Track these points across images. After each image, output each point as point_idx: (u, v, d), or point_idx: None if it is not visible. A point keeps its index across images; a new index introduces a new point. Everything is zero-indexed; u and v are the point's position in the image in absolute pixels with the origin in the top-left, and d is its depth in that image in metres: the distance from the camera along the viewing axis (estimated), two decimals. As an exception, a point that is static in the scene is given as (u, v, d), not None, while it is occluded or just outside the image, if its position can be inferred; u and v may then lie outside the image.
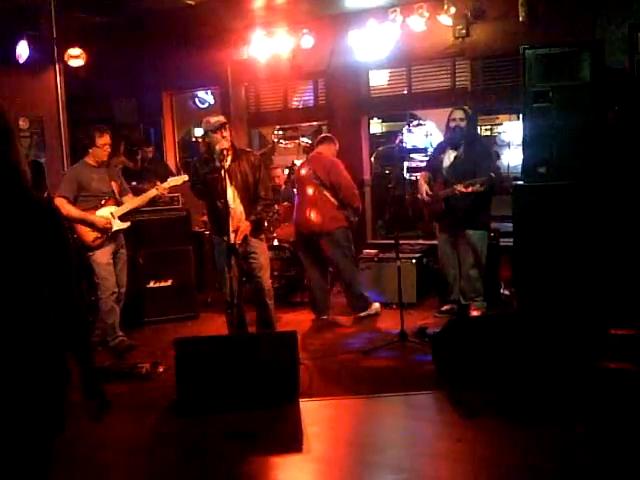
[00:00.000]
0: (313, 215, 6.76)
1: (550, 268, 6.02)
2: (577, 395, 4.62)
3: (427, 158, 8.29)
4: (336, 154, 7.02)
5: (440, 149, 6.88)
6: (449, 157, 6.62)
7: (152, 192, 6.38)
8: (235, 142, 5.78)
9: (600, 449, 3.85)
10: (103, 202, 6.10)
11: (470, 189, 6.21)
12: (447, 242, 6.73)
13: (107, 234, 6.06)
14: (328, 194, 6.78)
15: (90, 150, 6.07)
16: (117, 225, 6.13)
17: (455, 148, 6.59)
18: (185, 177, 6.50)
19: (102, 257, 6.07)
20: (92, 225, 5.99)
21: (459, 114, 6.57)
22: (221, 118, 5.67)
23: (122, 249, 6.28)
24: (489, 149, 6.80)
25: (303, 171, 6.99)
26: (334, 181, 6.74)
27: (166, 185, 6.39)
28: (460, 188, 6.24)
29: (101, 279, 6.07)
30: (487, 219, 6.70)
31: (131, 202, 6.29)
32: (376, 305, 6.98)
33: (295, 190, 7.17)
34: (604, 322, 5.72)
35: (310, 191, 6.82)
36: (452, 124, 6.58)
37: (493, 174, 6.28)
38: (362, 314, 6.88)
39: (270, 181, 7.10)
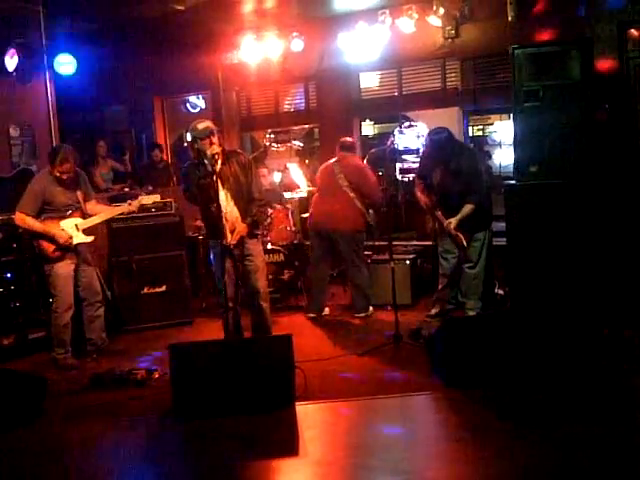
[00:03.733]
0: (336, 214, 6.84)
1: (543, 267, 6.03)
2: (573, 394, 4.62)
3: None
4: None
5: (427, 165, 6.69)
6: (436, 175, 6.51)
7: (121, 208, 6.25)
8: (224, 144, 5.74)
9: (598, 448, 3.84)
10: (69, 213, 5.95)
11: (452, 225, 6.31)
12: (443, 244, 6.71)
13: (67, 249, 5.91)
14: (355, 197, 6.88)
15: (56, 165, 5.84)
16: (80, 238, 5.97)
17: (442, 164, 6.44)
18: (157, 197, 6.50)
19: (62, 269, 5.89)
20: (53, 239, 5.83)
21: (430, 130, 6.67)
22: (209, 124, 5.54)
23: (85, 265, 6.07)
24: (477, 168, 6.47)
25: (330, 171, 7.06)
26: (362, 185, 6.89)
27: (137, 203, 6.26)
28: (447, 227, 6.35)
29: (58, 292, 5.90)
30: (487, 222, 6.63)
31: (97, 217, 6.12)
32: (371, 307, 7.03)
33: (318, 187, 7.28)
34: (597, 321, 5.73)
35: (337, 191, 6.92)
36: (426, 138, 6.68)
37: (472, 204, 6.28)
38: (362, 314, 6.92)
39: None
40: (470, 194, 6.30)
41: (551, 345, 4.94)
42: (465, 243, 6.34)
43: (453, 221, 6.33)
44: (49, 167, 5.97)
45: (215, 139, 5.48)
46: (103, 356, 6.14)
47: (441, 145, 6.42)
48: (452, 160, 6.39)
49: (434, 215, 6.62)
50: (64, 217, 5.94)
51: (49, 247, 5.85)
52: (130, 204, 6.24)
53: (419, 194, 6.74)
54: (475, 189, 6.34)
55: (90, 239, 6.08)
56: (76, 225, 5.97)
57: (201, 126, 5.53)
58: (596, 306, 5.80)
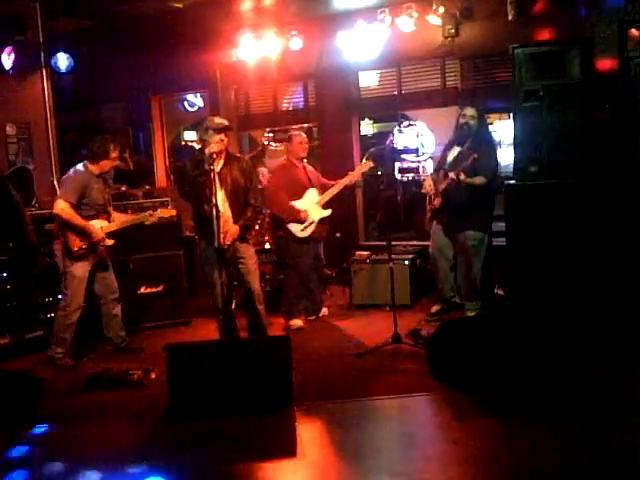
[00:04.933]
0: None
1: (542, 267, 6.02)
2: (572, 394, 4.60)
3: (420, 159, 8.31)
4: (300, 149, 6.90)
5: (447, 147, 6.76)
6: (453, 153, 6.54)
7: (143, 217, 6.29)
8: (228, 147, 5.76)
9: (597, 448, 3.82)
10: (97, 214, 5.98)
11: (462, 176, 6.09)
12: (439, 240, 6.68)
13: (93, 247, 5.93)
14: None
15: (101, 162, 5.96)
16: (106, 241, 6.01)
17: (461, 145, 6.47)
18: (173, 212, 6.62)
19: (80, 270, 5.90)
20: (88, 236, 5.85)
21: (470, 112, 6.45)
22: (225, 122, 5.68)
23: (104, 266, 6.11)
24: (494, 150, 6.60)
25: None
26: None
27: (157, 215, 6.30)
28: (452, 175, 6.15)
29: (71, 291, 5.90)
30: (487, 220, 6.54)
31: (120, 222, 6.17)
32: (298, 322, 6.82)
33: None
34: (596, 321, 5.72)
35: None
36: (462, 120, 6.45)
37: (485, 177, 6.21)
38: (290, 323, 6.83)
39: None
40: (482, 171, 6.21)
41: (550, 346, 4.92)
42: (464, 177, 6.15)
43: (462, 174, 6.14)
44: (89, 162, 5.98)
45: (225, 138, 5.55)
46: (100, 356, 6.12)
47: (471, 116, 6.44)
48: (471, 139, 6.39)
49: (437, 192, 6.51)
50: (93, 217, 5.95)
51: (76, 244, 5.84)
52: (151, 215, 6.28)
53: (427, 179, 6.74)
54: (487, 167, 6.25)
55: (111, 243, 6.09)
56: (102, 227, 5.99)
57: (218, 120, 5.69)
58: (596, 306, 5.79)
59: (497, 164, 6.57)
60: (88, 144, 6.14)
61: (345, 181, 6.87)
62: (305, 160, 7.05)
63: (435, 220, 6.70)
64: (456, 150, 6.50)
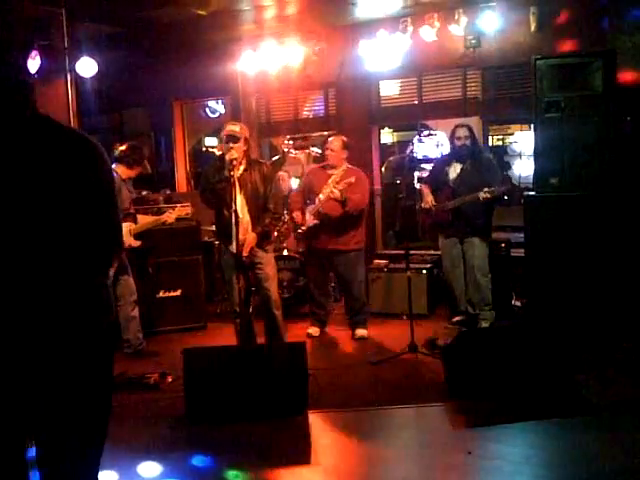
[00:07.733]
0: None
1: (561, 279, 5.98)
2: (588, 406, 4.57)
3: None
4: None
5: (444, 162, 6.89)
6: (455, 169, 6.64)
7: (164, 217, 6.46)
8: (250, 152, 5.78)
9: (614, 459, 3.79)
10: (125, 217, 6.00)
11: (490, 195, 6.23)
12: (451, 252, 6.72)
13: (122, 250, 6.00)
14: None
15: (135, 168, 6.11)
16: (132, 242, 6.10)
17: (461, 162, 6.60)
18: (188, 210, 6.69)
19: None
20: None
21: (464, 132, 6.60)
22: (235, 131, 5.59)
23: (124, 266, 6.11)
24: (493, 160, 6.87)
25: None
26: None
27: (175, 214, 6.50)
28: (483, 195, 6.24)
29: None
30: (489, 226, 6.71)
31: (146, 223, 6.31)
32: (317, 329, 6.85)
33: None
34: (616, 334, 5.67)
35: None
36: (458, 142, 6.61)
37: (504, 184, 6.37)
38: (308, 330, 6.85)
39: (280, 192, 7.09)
40: (492, 184, 6.31)
41: (565, 357, 4.90)
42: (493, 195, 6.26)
43: (485, 190, 6.24)
44: (123, 166, 6.10)
45: (237, 145, 5.50)
46: (116, 359, 6.13)
47: (465, 136, 6.59)
48: (470, 154, 6.57)
49: (443, 208, 6.59)
50: (121, 220, 5.95)
51: None
52: (170, 214, 6.46)
53: (427, 194, 6.78)
54: (496, 180, 6.42)
55: (138, 243, 6.21)
56: (130, 230, 6.06)
57: (229, 128, 5.64)
58: (614, 319, 5.74)
59: (500, 173, 6.86)
60: (122, 149, 6.23)
61: None
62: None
63: (442, 234, 6.77)
64: (457, 167, 6.61)
